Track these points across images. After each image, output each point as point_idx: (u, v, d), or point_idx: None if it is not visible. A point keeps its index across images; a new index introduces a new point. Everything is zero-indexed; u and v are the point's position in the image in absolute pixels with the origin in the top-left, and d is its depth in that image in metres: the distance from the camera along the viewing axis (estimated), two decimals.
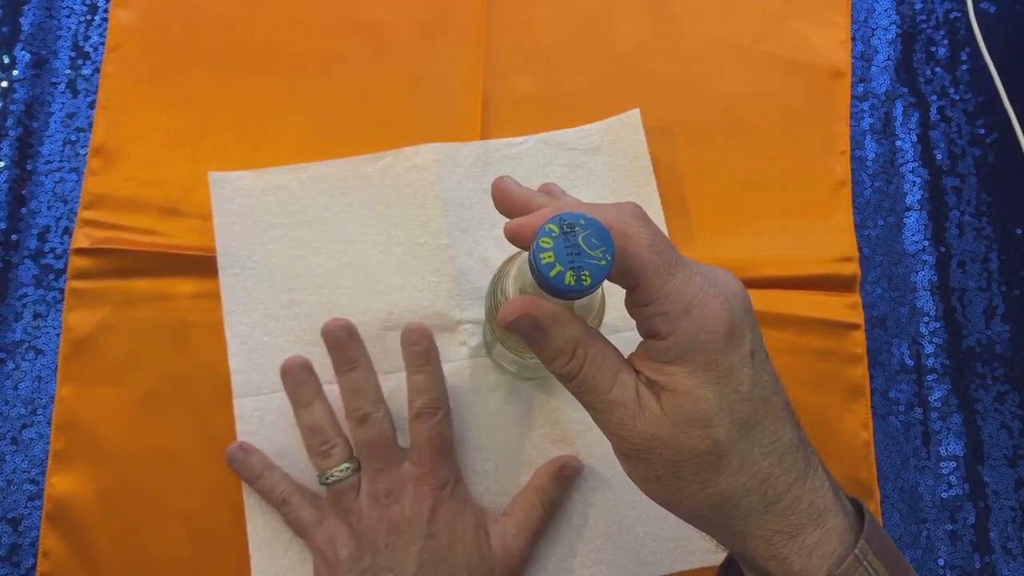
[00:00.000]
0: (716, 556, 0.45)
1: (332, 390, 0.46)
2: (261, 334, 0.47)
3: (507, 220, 0.29)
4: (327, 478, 0.43)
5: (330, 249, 0.48)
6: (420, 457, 0.42)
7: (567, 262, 0.25)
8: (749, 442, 0.28)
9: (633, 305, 0.28)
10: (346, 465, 0.43)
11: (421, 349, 0.44)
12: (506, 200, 0.30)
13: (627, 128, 0.51)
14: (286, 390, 0.45)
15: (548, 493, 0.44)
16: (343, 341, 0.45)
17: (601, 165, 0.50)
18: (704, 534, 0.31)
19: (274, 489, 0.44)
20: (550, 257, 0.25)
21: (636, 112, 0.51)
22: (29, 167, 0.50)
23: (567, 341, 0.28)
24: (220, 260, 0.47)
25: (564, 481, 0.45)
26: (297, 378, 0.45)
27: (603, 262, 0.25)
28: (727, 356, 0.28)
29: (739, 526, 0.29)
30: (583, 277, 0.25)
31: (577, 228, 0.25)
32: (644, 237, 0.27)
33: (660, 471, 0.29)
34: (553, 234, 0.25)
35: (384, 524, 0.41)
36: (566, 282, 0.25)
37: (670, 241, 0.29)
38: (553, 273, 0.25)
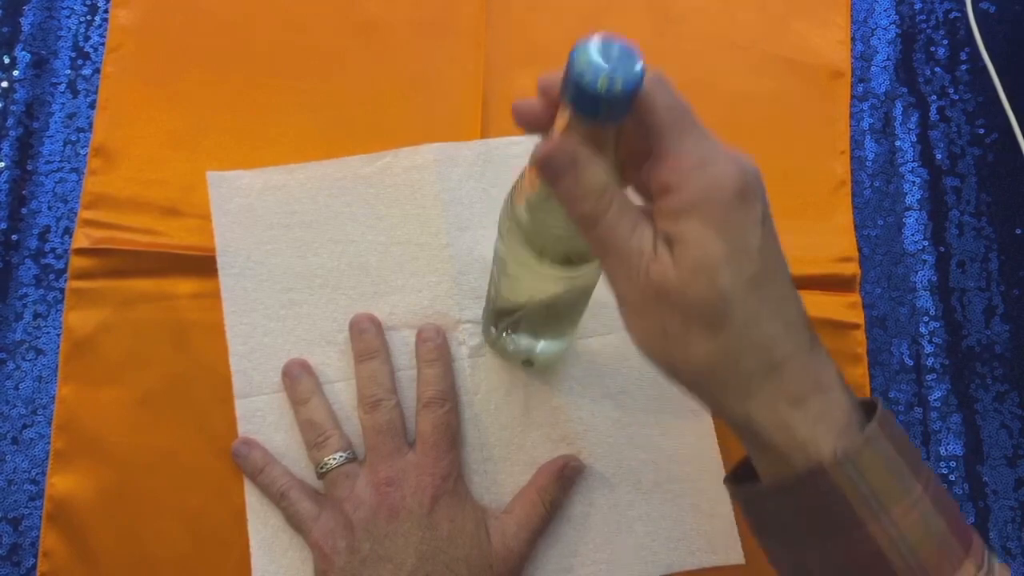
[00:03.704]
0: (716, 556, 0.45)
1: (332, 389, 0.46)
2: (261, 334, 0.47)
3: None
4: (322, 467, 0.43)
5: (330, 249, 0.48)
6: (424, 446, 0.43)
7: (600, 69, 0.25)
8: (756, 300, 0.28)
9: (648, 168, 0.29)
10: (340, 453, 0.43)
11: (434, 344, 0.46)
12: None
13: None
14: (286, 390, 0.46)
15: (549, 493, 0.44)
16: (366, 331, 0.46)
17: None
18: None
19: (274, 483, 0.44)
20: (584, 63, 0.25)
21: None
22: (29, 167, 0.50)
23: (599, 181, 0.28)
24: (220, 260, 0.47)
25: (565, 481, 0.45)
26: (295, 377, 0.46)
27: (636, 70, 0.26)
28: (738, 213, 0.28)
29: (742, 388, 0.29)
30: (615, 81, 0.25)
31: (612, 45, 0.26)
32: (663, 96, 0.28)
33: (667, 324, 0.29)
34: (588, 47, 0.26)
35: (384, 511, 0.41)
36: (599, 86, 0.25)
37: (689, 105, 0.29)
38: (587, 76, 0.25)
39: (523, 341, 0.44)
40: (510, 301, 0.40)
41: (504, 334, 0.45)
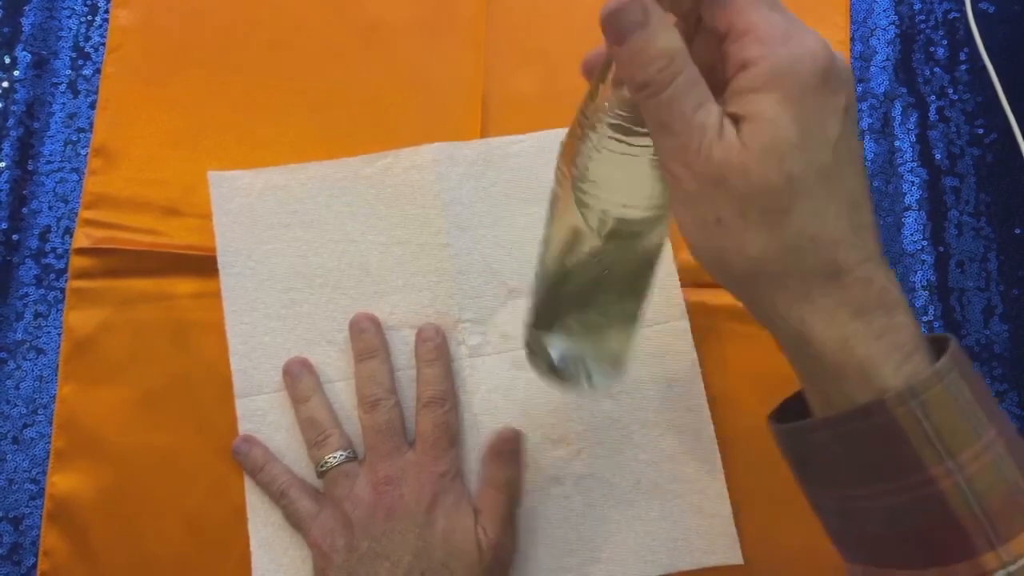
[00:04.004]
0: (715, 556, 0.45)
1: (332, 389, 0.46)
2: (262, 333, 0.47)
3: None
4: (321, 466, 0.43)
5: (331, 249, 0.48)
6: (424, 445, 0.43)
7: None
8: (825, 193, 0.26)
9: (728, 44, 0.26)
10: (340, 452, 0.43)
11: (434, 344, 0.46)
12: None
13: None
14: (287, 388, 0.46)
15: (497, 479, 0.43)
16: (366, 331, 0.46)
17: None
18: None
19: (274, 481, 0.44)
20: None
21: None
22: (30, 167, 0.50)
23: (671, 44, 0.26)
24: (220, 260, 0.47)
25: (507, 457, 0.44)
26: (296, 376, 0.46)
27: None
28: (820, 96, 0.25)
29: (800, 290, 0.26)
30: None
31: None
32: None
33: (723, 211, 0.26)
34: None
35: (382, 511, 0.41)
36: None
37: (815, 38, 0.26)
38: None
39: (572, 344, 0.38)
40: (559, 263, 0.35)
41: (552, 332, 0.38)
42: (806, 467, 0.30)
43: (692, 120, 0.26)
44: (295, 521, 0.43)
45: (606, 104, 0.28)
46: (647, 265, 0.35)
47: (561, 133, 0.48)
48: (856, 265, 0.26)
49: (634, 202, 0.30)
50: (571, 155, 0.30)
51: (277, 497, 0.44)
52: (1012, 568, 0.25)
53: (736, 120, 0.26)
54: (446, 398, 0.44)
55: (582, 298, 0.37)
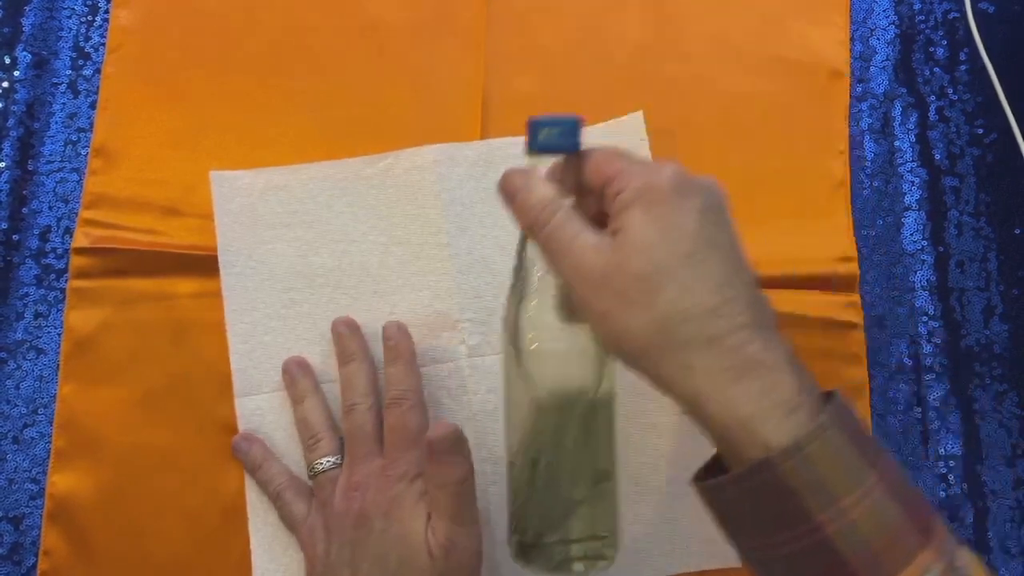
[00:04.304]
0: (714, 559, 0.45)
1: (333, 389, 0.46)
2: (262, 333, 0.47)
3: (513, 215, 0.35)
4: (311, 470, 0.43)
5: (331, 249, 0.48)
6: (386, 448, 0.42)
7: (547, 123, 0.35)
8: (691, 275, 0.31)
9: (605, 188, 0.33)
10: (328, 458, 0.43)
11: (393, 343, 0.45)
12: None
13: (630, 130, 0.51)
14: (286, 388, 0.46)
15: (438, 477, 0.39)
16: (343, 335, 0.46)
17: None
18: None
19: (271, 482, 0.44)
20: (539, 117, 0.36)
21: (639, 115, 0.51)
22: (30, 167, 0.51)
23: (546, 193, 0.34)
24: (221, 259, 0.47)
25: (443, 456, 0.39)
26: (293, 375, 0.46)
27: (573, 123, 0.35)
28: (674, 202, 0.31)
29: (681, 358, 0.30)
30: (555, 132, 0.35)
31: (560, 118, 0.35)
32: (609, 149, 0.35)
33: (609, 304, 0.31)
34: (544, 119, 0.36)
35: (351, 517, 0.40)
36: (541, 137, 0.35)
37: (670, 166, 0.33)
38: (539, 130, 0.35)
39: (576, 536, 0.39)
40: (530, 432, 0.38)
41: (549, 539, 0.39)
42: (726, 522, 0.32)
43: (573, 243, 0.32)
44: (288, 523, 0.43)
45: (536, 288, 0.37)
46: (606, 423, 0.39)
47: None
48: (728, 333, 0.30)
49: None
50: (513, 332, 0.37)
51: (273, 498, 0.44)
52: None
53: (613, 232, 0.32)
54: (405, 397, 0.43)
55: (570, 481, 0.39)
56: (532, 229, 0.34)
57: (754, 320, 0.31)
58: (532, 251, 0.37)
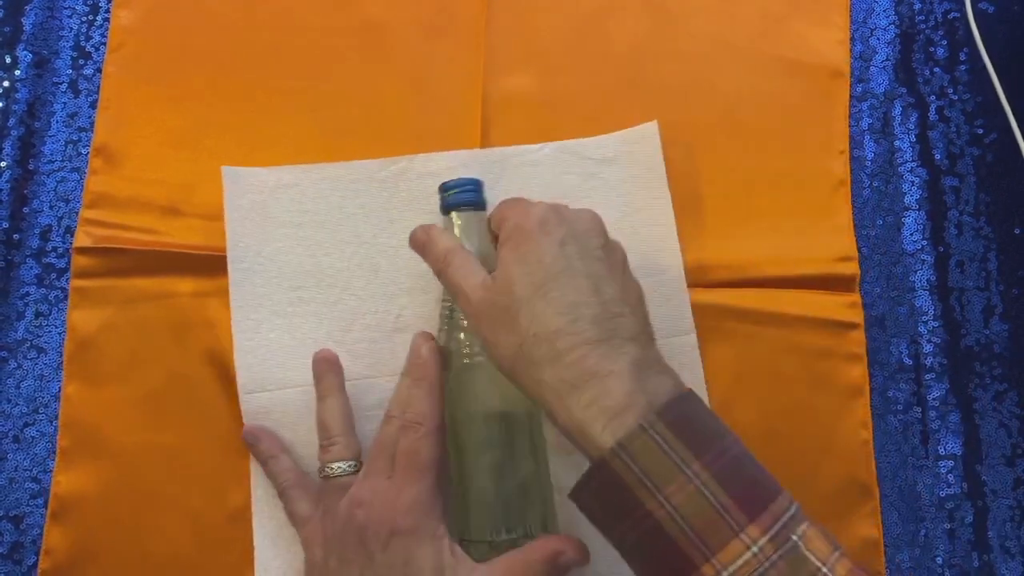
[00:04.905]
0: None
1: (357, 386, 0.46)
2: (267, 330, 0.47)
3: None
4: (322, 472, 0.43)
5: (341, 250, 0.48)
6: (395, 472, 0.40)
7: (454, 185, 0.44)
8: (543, 301, 0.36)
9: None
10: (339, 464, 0.42)
11: (420, 363, 0.42)
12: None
13: (644, 140, 0.51)
14: (314, 382, 0.45)
15: (533, 570, 0.38)
16: (420, 349, 0.43)
17: (616, 176, 0.50)
18: None
19: (278, 476, 0.44)
20: (446, 187, 0.45)
21: (654, 124, 0.51)
22: (31, 167, 0.51)
23: (444, 245, 0.41)
24: (230, 255, 0.47)
25: (556, 569, 0.39)
26: (321, 371, 0.45)
27: (475, 182, 0.45)
28: (537, 237, 0.37)
29: (536, 374, 0.35)
30: (461, 191, 0.44)
31: (464, 179, 0.45)
32: (509, 200, 0.42)
33: (487, 330, 0.37)
34: (451, 182, 0.45)
35: (351, 534, 0.39)
36: (449, 196, 0.44)
37: (541, 205, 0.39)
38: (447, 191, 0.44)
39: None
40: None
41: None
42: (595, 522, 0.35)
43: (465, 283, 0.39)
44: (291, 520, 0.43)
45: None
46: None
47: (579, 142, 0.51)
48: (572, 348, 0.35)
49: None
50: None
51: (279, 493, 0.44)
52: (726, 573, 0.31)
53: (496, 269, 0.38)
54: (422, 423, 0.41)
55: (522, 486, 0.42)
56: (438, 273, 0.41)
57: (598, 335, 0.35)
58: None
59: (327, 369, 0.45)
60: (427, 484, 0.40)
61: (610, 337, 0.35)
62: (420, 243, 0.42)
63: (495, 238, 0.41)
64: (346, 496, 0.40)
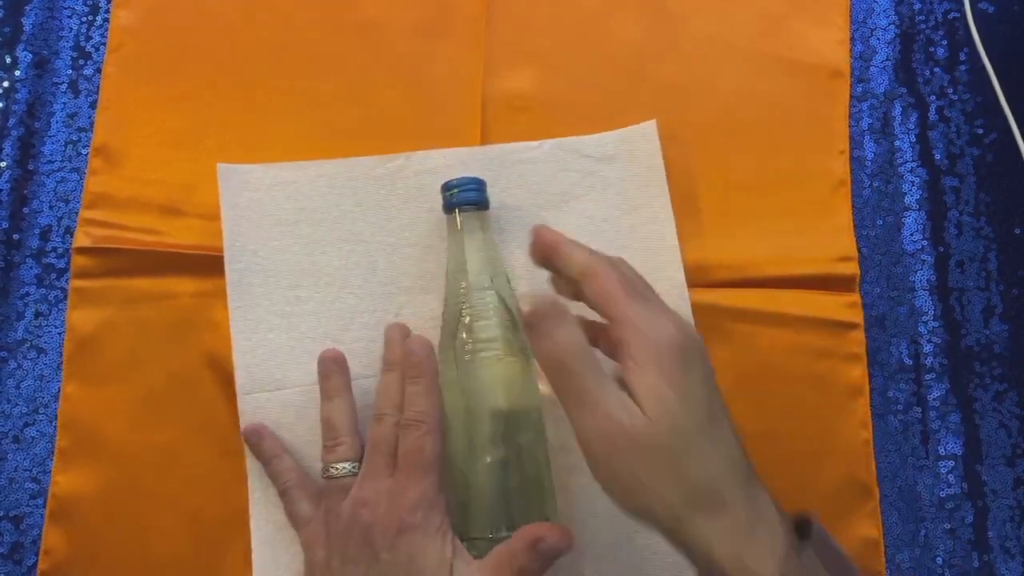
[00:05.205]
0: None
1: (357, 385, 0.45)
2: (266, 330, 0.47)
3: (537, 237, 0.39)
4: (325, 472, 0.42)
5: (339, 248, 0.48)
6: (399, 470, 0.40)
7: (456, 184, 0.45)
8: (709, 444, 0.34)
9: (612, 327, 0.35)
10: (344, 464, 0.42)
11: (415, 361, 0.43)
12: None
13: (643, 138, 0.50)
14: (319, 381, 0.45)
15: (518, 559, 0.39)
16: (394, 342, 0.45)
17: (615, 174, 0.50)
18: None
19: (279, 477, 0.44)
20: (449, 186, 0.46)
21: (653, 123, 0.51)
22: (31, 167, 0.51)
23: (573, 337, 0.35)
24: (227, 254, 0.47)
25: (538, 555, 0.39)
26: (327, 370, 0.45)
27: (478, 181, 0.46)
28: (683, 367, 0.34)
29: (705, 525, 0.33)
30: (460, 189, 0.45)
31: (467, 178, 0.46)
32: (613, 274, 0.36)
33: (639, 471, 0.33)
34: (453, 181, 0.45)
35: (356, 534, 0.39)
36: (452, 196, 0.45)
37: (643, 281, 0.37)
38: (450, 189, 0.45)
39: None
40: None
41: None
42: None
43: (596, 395, 0.34)
44: (292, 521, 0.43)
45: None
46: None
47: (578, 140, 0.50)
48: (737, 497, 0.33)
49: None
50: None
51: (280, 493, 0.44)
52: None
53: (630, 392, 0.34)
54: (423, 420, 0.41)
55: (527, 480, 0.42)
56: (555, 369, 0.35)
57: (748, 474, 0.34)
58: (473, 271, 0.44)
59: (334, 369, 0.45)
60: (431, 481, 0.40)
61: (750, 470, 0.35)
62: (535, 321, 0.36)
63: (574, 291, 0.37)
64: (348, 498, 0.40)
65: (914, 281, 0.51)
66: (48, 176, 0.50)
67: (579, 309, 0.37)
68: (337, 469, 0.42)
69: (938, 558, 0.48)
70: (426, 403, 0.41)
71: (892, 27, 0.55)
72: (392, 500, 0.39)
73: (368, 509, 0.40)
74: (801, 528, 0.35)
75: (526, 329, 0.36)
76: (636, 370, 0.34)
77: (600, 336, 0.39)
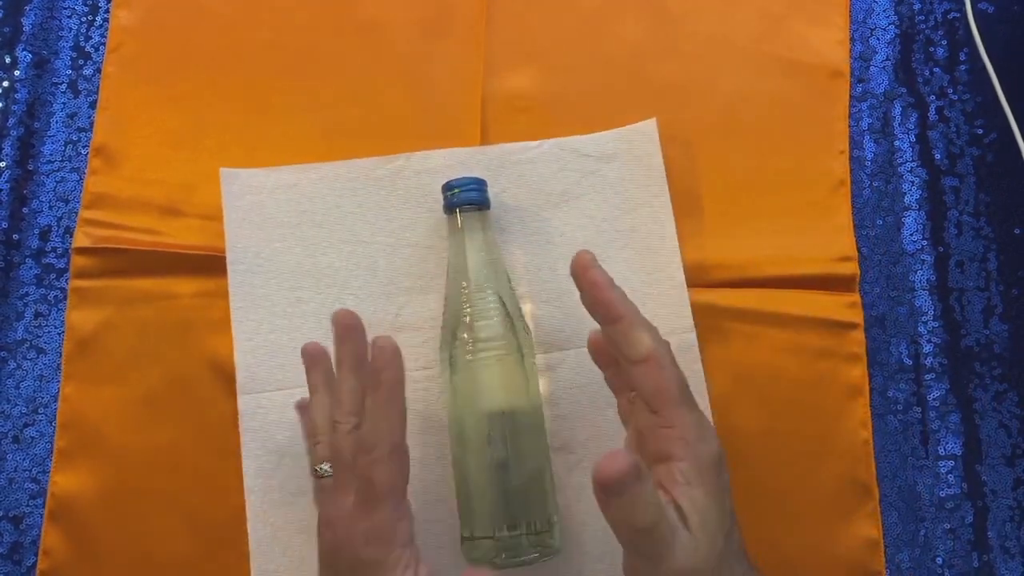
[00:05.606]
0: None
1: None
2: (267, 331, 0.47)
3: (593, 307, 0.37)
4: (311, 471, 0.40)
5: (339, 249, 0.48)
6: (356, 493, 0.37)
7: (457, 184, 0.45)
8: (731, 551, 0.34)
9: (656, 427, 0.35)
10: (324, 466, 0.39)
11: (377, 366, 0.38)
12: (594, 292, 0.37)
13: (643, 137, 0.50)
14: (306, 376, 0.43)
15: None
16: (343, 338, 0.41)
17: (615, 173, 0.50)
18: None
19: (311, 424, 0.41)
20: (450, 185, 0.45)
21: (652, 122, 0.51)
22: (30, 167, 0.51)
23: (650, 499, 0.33)
24: (229, 256, 0.47)
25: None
26: (304, 364, 0.42)
27: (479, 181, 0.46)
28: (721, 479, 0.35)
29: None
30: (461, 189, 0.45)
31: (468, 178, 0.46)
32: (671, 373, 0.36)
33: None
34: (454, 181, 0.46)
35: (323, 553, 0.38)
36: (454, 195, 0.45)
37: (683, 376, 0.36)
38: (451, 189, 0.45)
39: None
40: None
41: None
42: None
43: (674, 543, 0.33)
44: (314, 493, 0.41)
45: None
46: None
47: (577, 139, 0.50)
48: None
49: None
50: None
51: (308, 447, 0.42)
52: None
53: (678, 508, 0.34)
54: (376, 442, 0.37)
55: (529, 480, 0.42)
56: (634, 531, 0.33)
57: (751, 566, 0.36)
58: (474, 271, 0.44)
59: (311, 364, 0.42)
60: (384, 513, 0.36)
61: (749, 561, 0.36)
62: (617, 488, 0.33)
63: (624, 368, 0.37)
64: (319, 512, 0.39)
65: (914, 281, 0.51)
66: (48, 176, 0.50)
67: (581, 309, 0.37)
68: (320, 470, 0.40)
69: (938, 558, 0.48)
70: (384, 422, 0.37)
71: (892, 27, 0.55)
72: (349, 527, 0.37)
73: (330, 531, 0.37)
74: None
75: (601, 492, 0.33)
76: (688, 490, 0.34)
77: (617, 383, 0.41)
